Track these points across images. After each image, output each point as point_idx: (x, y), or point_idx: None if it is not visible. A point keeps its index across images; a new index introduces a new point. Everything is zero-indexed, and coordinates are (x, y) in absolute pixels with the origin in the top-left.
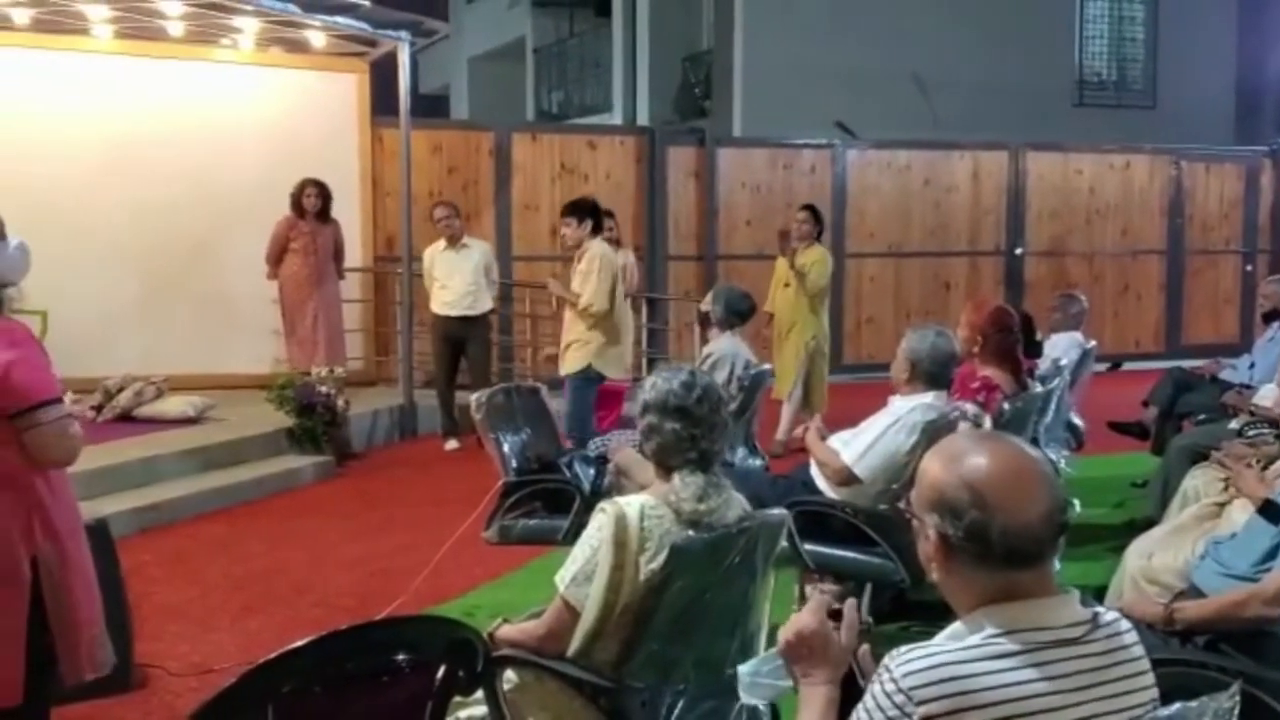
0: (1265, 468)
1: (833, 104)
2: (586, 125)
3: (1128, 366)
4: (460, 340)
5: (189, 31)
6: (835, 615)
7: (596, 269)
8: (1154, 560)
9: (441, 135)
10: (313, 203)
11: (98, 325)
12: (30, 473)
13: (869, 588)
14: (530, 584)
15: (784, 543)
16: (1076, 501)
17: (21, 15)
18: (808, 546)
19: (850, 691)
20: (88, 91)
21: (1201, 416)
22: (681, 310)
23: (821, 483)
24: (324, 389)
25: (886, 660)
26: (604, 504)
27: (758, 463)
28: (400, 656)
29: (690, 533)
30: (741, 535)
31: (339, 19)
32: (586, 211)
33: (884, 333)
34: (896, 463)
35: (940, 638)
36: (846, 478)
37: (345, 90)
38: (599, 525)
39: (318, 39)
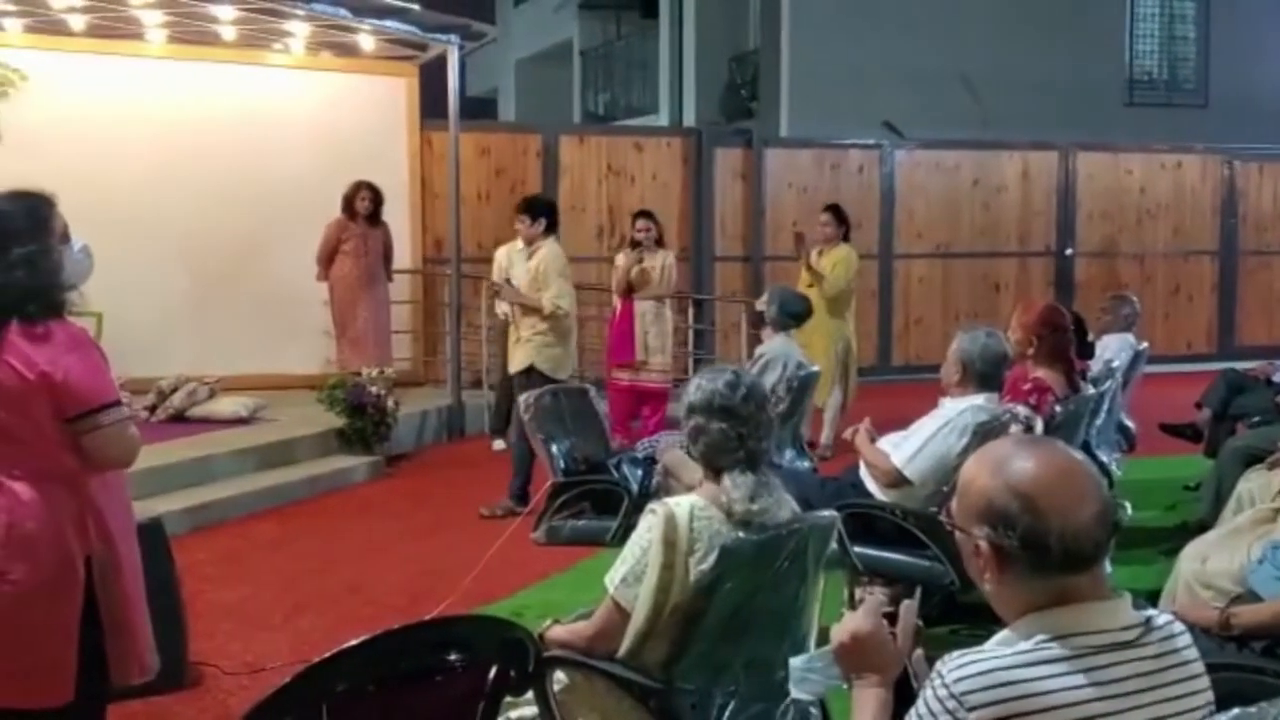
0: None
1: (880, 104)
2: (633, 127)
3: (1180, 368)
4: None
5: (241, 36)
6: (890, 617)
7: (556, 270)
8: (1209, 564)
9: (489, 138)
10: (366, 205)
11: (152, 326)
12: (87, 474)
13: (919, 590)
14: (578, 584)
15: (833, 545)
16: (1128, 504)
17: (78, 21)
18: (857, 549)
19: (904, 694)
20: (142, 95)
21: (1256, 419)
22: (727, 311)
23: (871, 485)
24: (374, 390)
25: (939, 666)
26: (653, 504)
27: (806, 465)
28: (453, 656)
29: (740, 534)
30: (791, 537)
31: (389, 23)
32: (542, 210)
33: (932, 334)
34: (947, 465)
35: (991, 644)
36: (896, 480)
37: (395, 93)
38: (649, 526)
39: (367, 43)
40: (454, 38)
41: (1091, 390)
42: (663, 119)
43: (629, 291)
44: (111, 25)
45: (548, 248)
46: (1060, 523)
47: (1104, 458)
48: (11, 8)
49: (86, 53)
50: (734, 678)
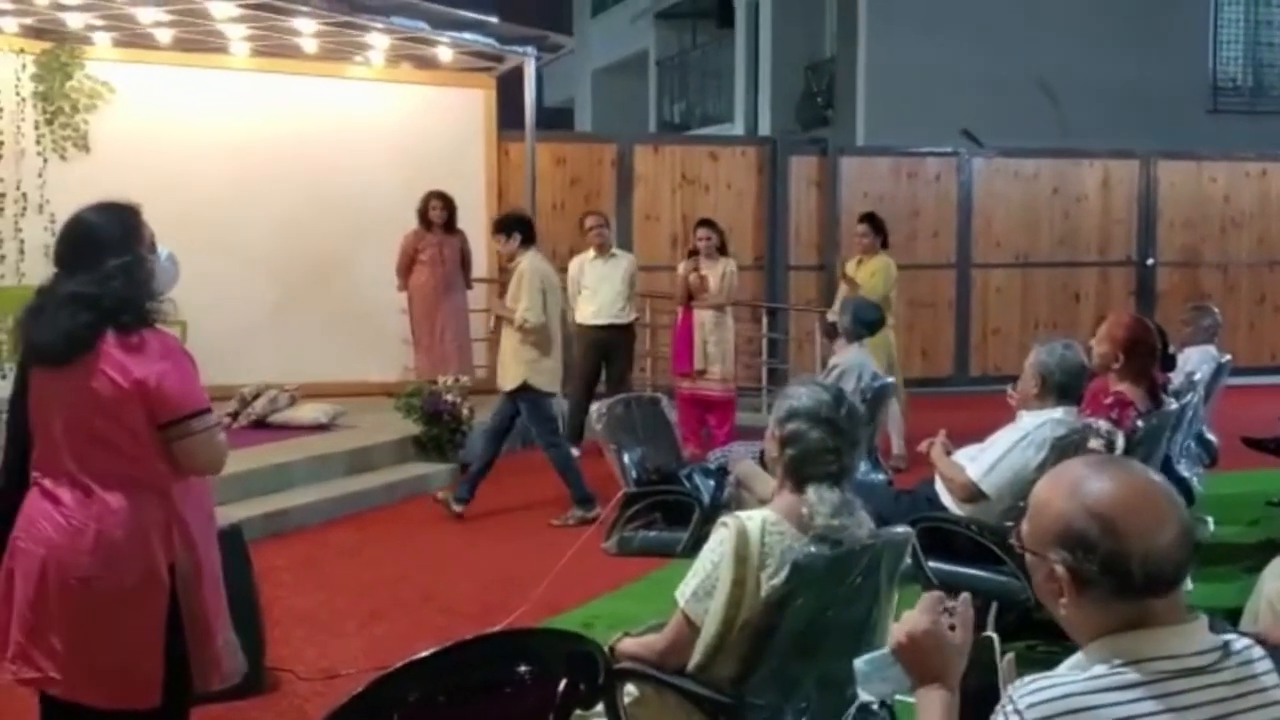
0: None
1: (957, 112)
2: (708, 136)
3: (1265, 380)
4: (606, 348)
5: (322, 49)
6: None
7: (526, 282)
8: None
9: (565, 148)
10: (438, 214)
11: (235, 334)
12: (174, 481)
13: (995, 606)
14: (650, 595)
15: (907, 560)
16: (1209, 519)
17: (165, 34)
18: (932, 564)
19: (988, 697)
20: (226, 107)
21: None
22: (802, 320)
23: (946, 499)
24: (450, 398)
25: (1010, 690)
26: (725, 518)
27: (880, 477)
28: (523, 668)
29: (812, 549)
30: (865, 553)
31: (467, 35)
32: (513, 225)
33: (1011, 344)
34: (1024, 479)
35: (1064, 667)
36: (972, 494)
37: (473, 104)
38: (720, 539)
39: (446, 55)
40: (531, 49)
41: (1173, 404)
42: (738, 128)
43: (689, 300)
44: (197, 39)
45: (527, 261)
46: (1142, 545)
47: (1185, 472)
48: (100, 22)
49: (172, 65)
50: (805, 695)
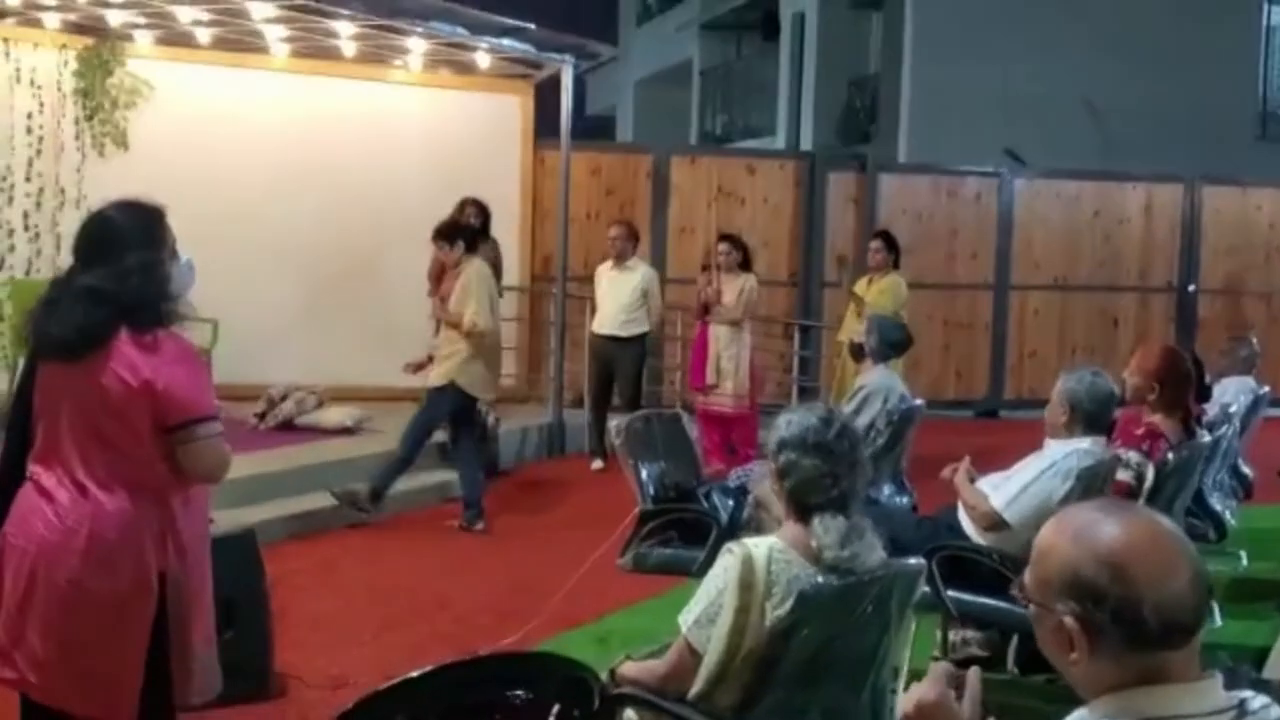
0: None
1: (1000, 131)
2: (745, 149)
3: None
4: (608, 360)
5: (361, 52)
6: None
7: (475, 287)
8: None
9: (601, 157)
10: (473, 221)
11: (265, 334)
12: (174, 487)
13: (1015, 638)
14: (667, 612)
15: (925, 588)
16: (1243, 554)
17: (204, 34)
18: (951, 592)
19: None
20: (264, 108)
21: None
22: (835, 338)
23: (968, 527)
24: None
25: None
26: (731, 544)
27: (905, 500)
28: (517, 692)
29: (820, 579)
30: (875, 584)
31: (505, 41)
32: (455, 233)
33: (1047, 368)
34: (1049, 510)
35: None
36: (995, 522)
37: (510, 111)
38: (725, 566)
39: (484, 61)
40: (568, 57)
41: (1206, 436)
42: (780, 141)
43: (704, 314)
44: (236, 39)
45: (473, 267)
46: (1154, 593)
47: (1218, 505)
48: (142, 20)
49: (212, 65)
50: None
